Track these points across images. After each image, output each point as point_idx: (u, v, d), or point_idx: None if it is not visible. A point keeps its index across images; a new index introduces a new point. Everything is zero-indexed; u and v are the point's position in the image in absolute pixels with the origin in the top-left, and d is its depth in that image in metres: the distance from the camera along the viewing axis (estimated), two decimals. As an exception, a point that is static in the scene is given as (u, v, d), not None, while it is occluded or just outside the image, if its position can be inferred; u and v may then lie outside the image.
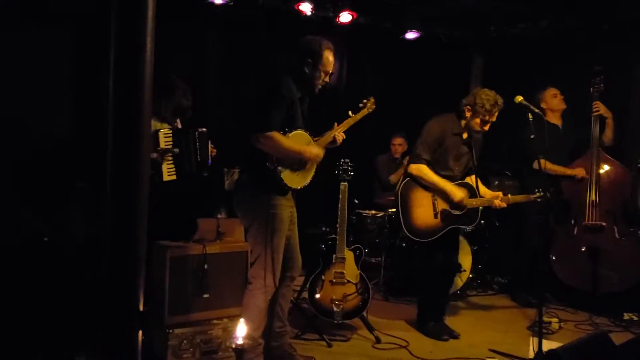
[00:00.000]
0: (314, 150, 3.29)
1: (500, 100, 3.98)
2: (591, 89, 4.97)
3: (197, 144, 4.12)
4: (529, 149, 4.74)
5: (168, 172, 4.07)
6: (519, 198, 4.26)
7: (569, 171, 5.00)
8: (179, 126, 4.41)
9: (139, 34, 2.33)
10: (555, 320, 4.55)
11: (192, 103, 4.42)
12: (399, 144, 6.22)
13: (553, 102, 5.15)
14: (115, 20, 2.39)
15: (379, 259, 5.39)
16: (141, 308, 2.42)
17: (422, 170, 4.05)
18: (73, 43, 4.80)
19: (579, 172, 4.96)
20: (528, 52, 6.38)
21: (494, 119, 4.03)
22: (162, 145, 4.03)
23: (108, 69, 2.35)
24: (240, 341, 2.53)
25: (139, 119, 2.37)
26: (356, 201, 5.67)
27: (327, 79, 3.40)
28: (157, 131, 4.03)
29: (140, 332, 2.50)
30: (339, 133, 3.55)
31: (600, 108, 4.94)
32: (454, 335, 4.18)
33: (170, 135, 4.06)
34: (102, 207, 3.42)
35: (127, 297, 2.50)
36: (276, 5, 5.66)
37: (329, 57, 3.32)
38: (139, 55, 2.33)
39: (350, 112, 3.66)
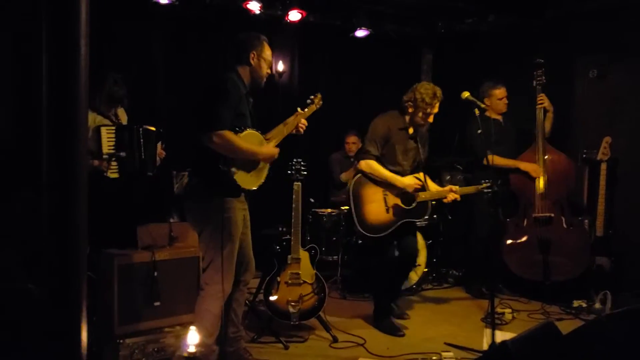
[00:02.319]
0: (269, 150, 3.26)
1: (439, 92, 4.06)
2: (534, 82, 5.08)
3: (141, 140, 4.04)
4: (476, 144, 4.81)
5: (111, 169, 3.98)
6: (468, 189, 4.33)
7: (521, 165, 5.07)
8: (122, 118, 4.30)
9: (72, 38, 2.25)
10: (509, 310, 4.63)
11: (139, 103, 4.34)
12: (352, 143, 6.22)
13: (498, 105, 5.22)
14: (47, 24, 2.30)
15: (336, 257, 5.39)
16: (84, 318, 2.34)
17: (371, 165, 4.09)
18: (12, 46, 4.62)
19: (533, 169, 5.03)
20: (476, 47, 6.49)
21: (436, 110, 4.10)
22: (106, 149, 3.94)
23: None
24: (191, 349, 2.48)
25: (74, 125, 2.29)
26: (312, 200, 5.65)
27: (269, 70, 3.42)
28: (99, 128, 3.92)
29: (85, 343, 2.41)
30: (300, 124, 3.55)
31: (544, 101, 5.05)
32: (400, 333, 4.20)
33: (113, 132, 3.96)
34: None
35: (69, 308, 2.41)
36: (224, 4, 5.59)
37: (267, 48, 3.38)
38: (72, 59, 2.25)
39: (298, 109, 3.65)
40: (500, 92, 5.22)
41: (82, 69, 2.26)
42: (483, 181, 4.18)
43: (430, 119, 4.12)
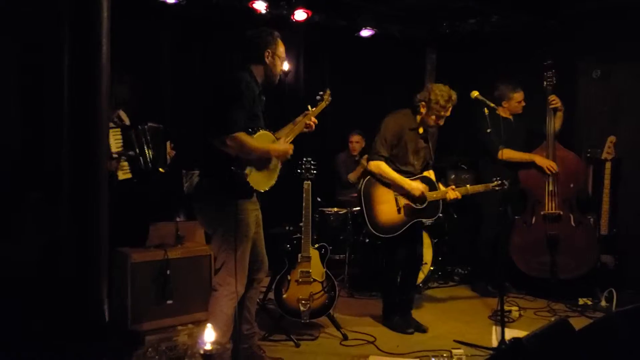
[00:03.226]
0: (282, 147, 3.26)
1: (454, 96, 4.03)
2: (545, 83, 5.12)
3: (149, 137, 4.06)
4: (487, 143, 4.84)
5: (122, 171, 4.00)
6: (478, 188, 4.32)
7: (537, 159, 5.08)
8: (125, 120, 4.31)
9: (94, 38, 2.27)
10: (515, 308, 4.65)
11: (147, 103, 4.34)
12: (356, 142, 6.25)
13: (517, 107, 5.26)
14: (69, 25, 2.31)
15: (343, 255, 5.41)
16: (107, 317, 2.37)
17: (380, 167, 4.10)
18: (19, 51, 4.63)
19: (549, 164, 5.04)
20: (479, 47, 6.52)
21: (448, 114, 4.09)
22: (114, 149, 3.96)
23: (58, 76, 2.29)
24: (208, 346, 2.50)
25: (95, 123, 2.31)
26: (319, 199, 5.67)
27: (282, 68, 3.41)
28: None
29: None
30: (310, 121, 3.55)
31: (558, 102, 5.09)
32: (422, 329, 4.21)
33: (119, 133, 3.98)
34: (57, 216, 3.33)
35: (91, 307, 2.44)
36: (230, 4, 5.60)
37: (281, 44, 3.34)
38: (94, 59, 2.27)
39: (309, 107, 3.65)
40: (519, 95, 5.26)
41: (103, 67, 2.28)
42: (494, 179, 4.20)
43: (441, 122, 4.12)
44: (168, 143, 4.32)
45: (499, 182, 4.15)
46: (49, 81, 4.58)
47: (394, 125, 4.15)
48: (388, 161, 4.13)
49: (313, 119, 3.57)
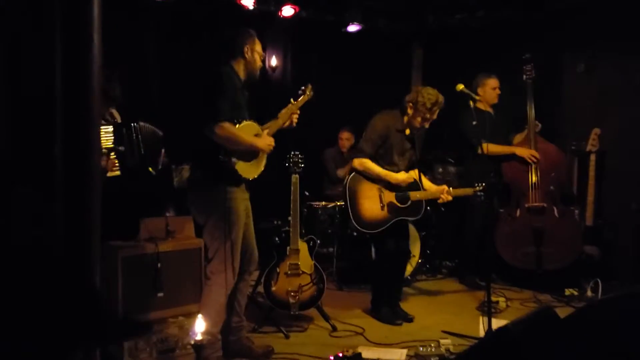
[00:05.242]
0: (265, 140, 3.35)
1: (441, 99, 4.07)
2: (524, 76, 5.19)
3: (139, 136, 4.07)
4: (472, 136, 4.89)
5: (112, 167, 4.00)
6: (460, 192, 4.37)
7: (517, 150, 5.15)
8: (117, 118, 4.32)
9: (85, 32, 2.29)
10: (502, 299, 4.73)
11: (134, 100, 4.34)
12: (346, 139, 6.28)
13: (491, 95, 5.32)
14: (59, 18, 2.33)
15: (331, 249, 5.45)
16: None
17: (364, 163, 4.15)
18: (7, 45, 4.61)
19: (529, 154, 5.10)
20: (465, 42, 6.58)
21: (434, 117, 4.13)
22: (104, 144, 3.96)
23: (48, 70, 2.31)
24: (199, 337, 2.53)
25: (88, 118, 2.33)
26: (307, 193, 5.70)
27: (261, 63, 3.52)
28: None
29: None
30: (294, 115, 3.61)
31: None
32: (408, 319, 4.29)
33: (111, 130, 3.99)
34: (47, 211, 3.33)
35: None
36: (218, 0, 5.62)
37: (258, 42, 3.47)
38: (86, 53, 2.29)
39: (292, 100, 3.70)
40: (493, 81, 5.32)
41: (95, 64, 2.30)
42: (476, 184, 4.25)
43: (427, 125, 4.17)
44: (162, 150, 4.34)
45: (482, 186, 4.20)
46: (38, 75, 4.58)
47: (381, 125, 4.19)
48: (373, 159, 4.17)
49: (296, 111, 3.62)
